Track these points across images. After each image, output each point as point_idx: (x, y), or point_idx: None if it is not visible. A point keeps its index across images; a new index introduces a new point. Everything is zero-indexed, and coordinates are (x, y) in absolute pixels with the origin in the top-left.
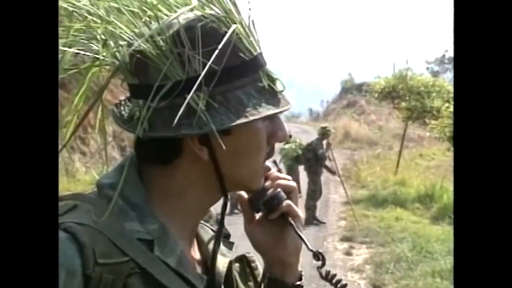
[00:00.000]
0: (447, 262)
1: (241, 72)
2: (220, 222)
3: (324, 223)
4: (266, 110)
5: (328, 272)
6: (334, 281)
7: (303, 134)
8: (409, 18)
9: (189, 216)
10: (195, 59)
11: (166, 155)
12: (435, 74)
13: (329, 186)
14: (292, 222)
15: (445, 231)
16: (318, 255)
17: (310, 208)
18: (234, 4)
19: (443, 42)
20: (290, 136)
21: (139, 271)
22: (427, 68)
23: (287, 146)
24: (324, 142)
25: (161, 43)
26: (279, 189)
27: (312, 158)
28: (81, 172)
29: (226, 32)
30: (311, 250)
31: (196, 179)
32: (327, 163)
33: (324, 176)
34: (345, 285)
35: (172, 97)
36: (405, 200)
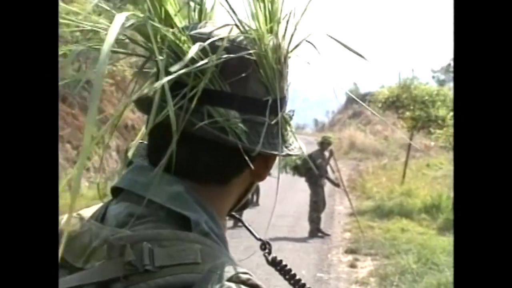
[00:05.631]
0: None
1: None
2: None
3: (328, 235)
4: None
5: (274, 258)
6: (279, 266)
7: (307, 146)
8: (415, 26)
9: None
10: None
11: (230, 174)
12: (441, 82)
13: (335, 197)
14: (241, 218)
15: (451, 242)
16: (265, 244)
17: (314, 220)
18: None
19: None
20: None
21: None
22: (433, 77)
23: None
24: (326, 152)
25: (272, 56)
26: None
27: (312, 169)
28: (84, 187)
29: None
30: (260, 239)
31: (235, 201)
32: (331, 175)
33: (330, 187)
34: (290, 270)
35: (280, 113)
36: (411, 211)
